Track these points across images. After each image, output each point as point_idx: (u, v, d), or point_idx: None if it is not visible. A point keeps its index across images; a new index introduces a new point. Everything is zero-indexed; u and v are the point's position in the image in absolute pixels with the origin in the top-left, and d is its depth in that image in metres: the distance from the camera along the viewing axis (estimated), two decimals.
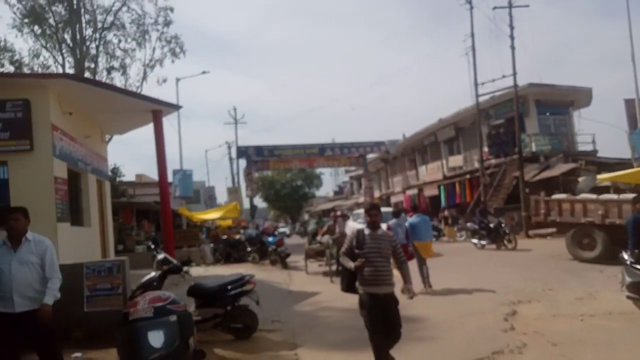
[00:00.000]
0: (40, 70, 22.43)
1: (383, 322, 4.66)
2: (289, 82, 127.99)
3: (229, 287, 6.74)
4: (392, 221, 11.62)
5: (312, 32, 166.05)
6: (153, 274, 6.51)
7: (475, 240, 17.89)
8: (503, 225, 17.26)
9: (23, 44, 62.65)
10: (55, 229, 8.63)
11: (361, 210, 19.21)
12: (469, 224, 19.54)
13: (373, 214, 4.77)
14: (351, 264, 4.61)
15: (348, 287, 4.84)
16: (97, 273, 6.59)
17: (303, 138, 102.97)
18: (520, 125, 23.01)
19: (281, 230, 36.63)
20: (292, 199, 57.13)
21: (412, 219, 10.75)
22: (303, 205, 62.26)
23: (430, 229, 11.05)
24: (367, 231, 4.76)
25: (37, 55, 22.69)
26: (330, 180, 67.27)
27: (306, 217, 57.48)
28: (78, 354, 5.21)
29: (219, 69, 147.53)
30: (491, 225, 17.33)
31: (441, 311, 7.99)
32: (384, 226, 17.23)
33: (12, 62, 22.35)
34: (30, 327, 4.09)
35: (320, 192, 64.36)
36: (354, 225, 17.69)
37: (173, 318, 2.37)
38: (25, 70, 22.18)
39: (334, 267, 12.14)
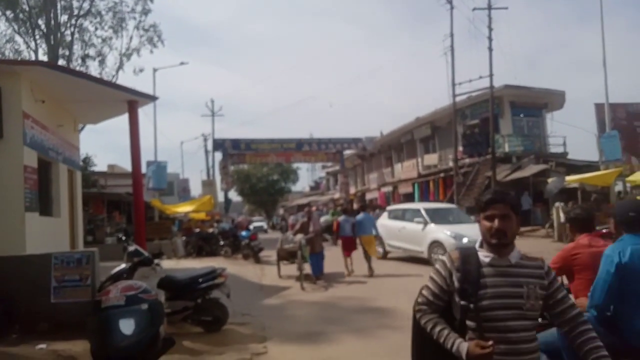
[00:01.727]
0: (12, 56, 21.93)
1: None
2: (268, 76, 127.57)
3: (200, 279, 6.75)
4: (342, 217, 13.54)
5: (292, 27, 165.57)
6: (123, 265, 6.51)
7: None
8: None
9: None
10: (23, 218, 8.48)
11: (400, 206, 16.89)
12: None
13: (498, 213, 2.14)
14: (462, 347, 2.05)
15: None
16: (66, 264, 6.52)
17: (281, 133, 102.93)
18: (495, 125, 23.44)
19: (257, 224, 36.50)
20: (267, 194, 56.99)
21: (358, 216, 12.80)
22: (279, 199, 62.20)
23: (373, 225, 12.68)
24: (485, 256, 2.18)
25: (9, 40, 22.18)
26: (306, 175, 67.64)
27: (281, 211, 57.39)
28: (42, 346, 5.19)
29: (197, 61, 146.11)
30: None
31: (411, 305, 8.13)
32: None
33: None
34: None
35: (297, 187, 64.43)
36: (386, 223, 15.47)
37: (144, 306, 2.41)
38: None
39: (305, 272, 11.03)
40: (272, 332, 6.76)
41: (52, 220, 10.51)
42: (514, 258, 2.18)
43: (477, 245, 2.26)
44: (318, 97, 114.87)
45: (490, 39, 22.51)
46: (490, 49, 22.37)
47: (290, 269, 11.85)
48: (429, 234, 12.94)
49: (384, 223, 15.21)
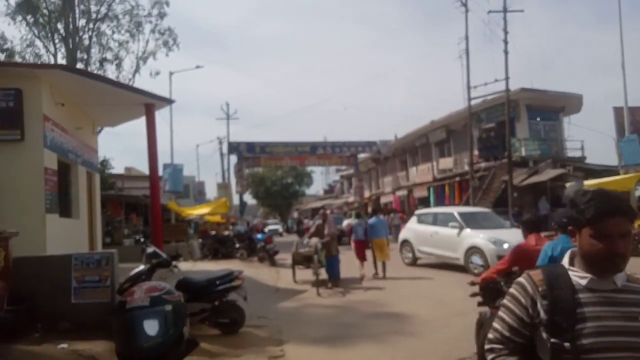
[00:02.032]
0: (32, 59, 22.31)
1: None
2: (282, 78, 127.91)
3: (217, 282, 6.78)
4: (355, 221, 13.69)
5: (305, 29, 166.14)
6: (142, 267, 6.55)
7: None
8: None
9: (15, 32, 61.49)
10: (44, 219, 8.60)
11: (431, 210, 16.33)
12: None
13: (617, 231, 1.56)
14: None
15: None
16: (86, 265, 6.60)
17: (295, 136, 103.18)
18: (511, 129, 23.22)
19: (272, 227, 36.54)
20: (282, 197, 57.11)
21: (371, 220, 12.85)
22: (293, 203, 62.30)
23: (385, 229, 12.98)
24: (580, 278, 1.64)
25: (29, 45, 22.58)
26: (320, 178, 67.52)
27: (296, 214, 57.41)
28: (64, 345, 5.24)
29: (211, 63, 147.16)
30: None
31: (427, 310, 8.14)
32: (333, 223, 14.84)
33: (2, 50, 22.20)
34: None
35: (311, 191, 64.47)
36: (415, 228, 14.97)
37: (168, 307, 2.45)
38: (17, 58, 22.04)
39: (321, 277, 10.76)
40: (289, 336, 6.76)
41: (71, 221, 10.64)
42: (620, 280, 1.61)
43: (565, 262, 1.71)
44: (331, 99, 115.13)
45: (505, 42, 22.32)
46: (506, 52, 22.18)
47: (305, 273, 11.69)
48: (465, 239, 12.36)
49: (413, 228, 14.67)
